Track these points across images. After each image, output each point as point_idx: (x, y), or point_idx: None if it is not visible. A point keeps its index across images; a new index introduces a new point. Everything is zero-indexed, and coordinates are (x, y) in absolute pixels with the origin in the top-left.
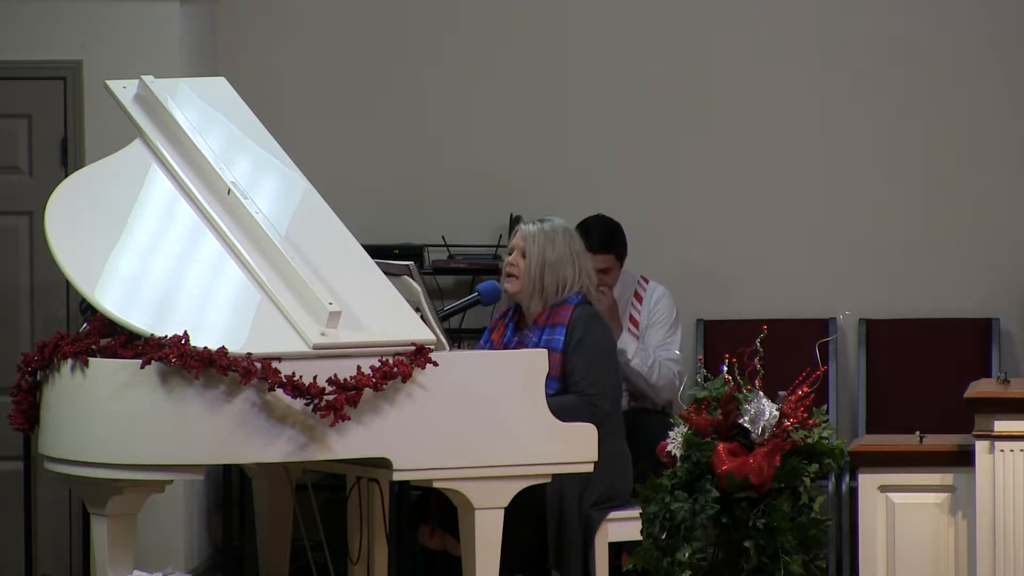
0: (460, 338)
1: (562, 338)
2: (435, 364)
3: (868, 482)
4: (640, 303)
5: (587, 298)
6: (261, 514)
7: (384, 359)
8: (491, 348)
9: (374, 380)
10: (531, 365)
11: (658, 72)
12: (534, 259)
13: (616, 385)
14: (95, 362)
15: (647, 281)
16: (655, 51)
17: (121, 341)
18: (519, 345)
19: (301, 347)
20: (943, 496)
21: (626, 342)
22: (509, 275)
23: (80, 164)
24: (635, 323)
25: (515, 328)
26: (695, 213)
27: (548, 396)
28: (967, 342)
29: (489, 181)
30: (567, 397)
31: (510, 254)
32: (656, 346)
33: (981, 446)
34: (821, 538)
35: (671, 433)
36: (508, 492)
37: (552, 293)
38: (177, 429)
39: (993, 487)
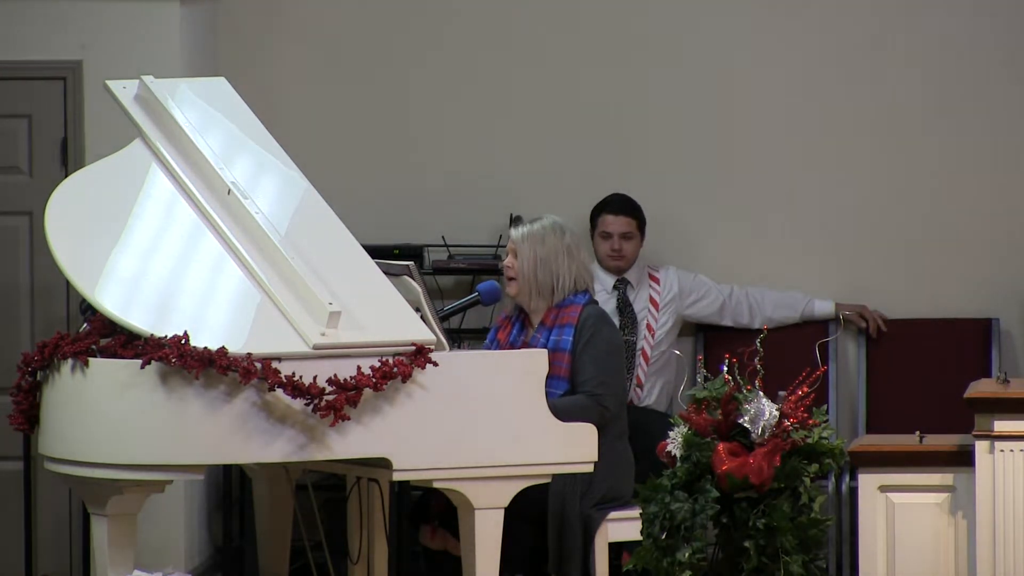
0: (460, 338)
1: (571, 338)
2: (435, 364)
3: (868, 482)
4: (658, 284)
5: (593, 297)
6: (261, 514)
7: (384, 359)
8: (497, 348)
9: (374, 380)
10: (531, 365)
11: (659, 72)
12: (526, 258)
13: (623, 385)
14: (95, 362)
15: (655, 268)
16: (656, 51)
17: (121, 341)
18: (525, 345)
19: (301, 347)
20: (943, 496)
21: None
22: (509, 279)
23: (80, 164)
24: (655, 304)
25: (521, 328)
26: (696, 214)
27: (557, 397)
28: (967, 342)
29: (489, 181)
30: (575, 397)
31: (505, 258)
32: (729, 288)
33: (981, 446)
34: (821, 538)
35: (671, 433)
36: (508, 492)
37: (549, 289)
38: (177, 429)
39: (993, 487)
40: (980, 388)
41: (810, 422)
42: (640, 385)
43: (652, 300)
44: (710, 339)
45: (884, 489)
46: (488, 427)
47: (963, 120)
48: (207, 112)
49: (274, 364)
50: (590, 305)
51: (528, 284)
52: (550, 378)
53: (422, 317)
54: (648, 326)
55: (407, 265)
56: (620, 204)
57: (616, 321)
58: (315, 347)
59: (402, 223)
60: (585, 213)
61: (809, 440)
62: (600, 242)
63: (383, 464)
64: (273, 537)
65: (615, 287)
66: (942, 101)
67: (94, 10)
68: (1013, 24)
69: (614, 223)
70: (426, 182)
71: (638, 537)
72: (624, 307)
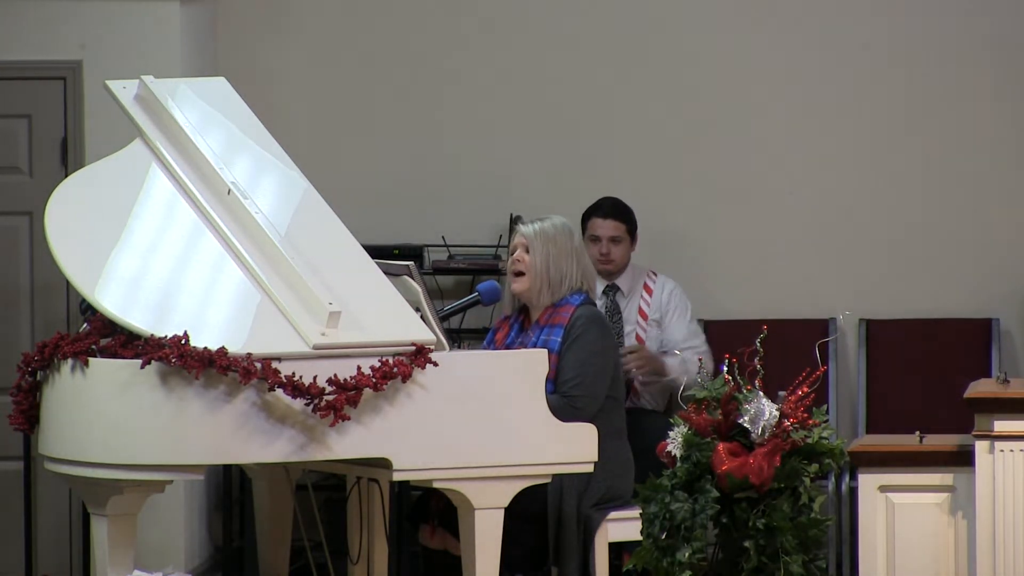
0: (460, 338)
1: (559, 339)
2: (435, 364)
3: (868, 482)
4: (649, 295)
5: (590, 298)
6: (261, 514)
7: (384, 359)
8: (495, 349)
9: (374, 380)
10: (531, 365)
11: (658, 73)
12: (539, 254)
13: (604, 387)
14: (95, 362)
15: (656, 275)
16: (655, 52)
17: (121, 341)
18: (521, 345)
19: (301, 347)
20: (943, 496)
21: (672, 366)
22: (517, 273)
23: (80, 164)
24: (643, 315)
25: (520, 329)
26: (695, 213)
27: None
28: (967, 342)
29: (489, 181)
30: (549, 397)
31: (512, 254)
32: (683, 341)
33: (981, 446)
34: (821, 538)
35: (671, 433)
36: (508, 492)
37: (557, 285)
38: (177, 429)
39: (993, 487)
40: (980, 388)
41: (810, 422)
42: (636, 393)
43: (641, 311)
44: (710, 339)
45: (884, 489)
46: (488, 427)
47: (963, 120)
48: (207, 112)
49: (274, 364)
50: (584, 306)
51: (540, 280)
52: None
53: (422, 317)
54: (638, 337)
55: (407, 265)
56: (610, 208)
57: None
58: (315, 347)
59: (402, 223)
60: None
61: (809, 440)
62: (589, 246)
63: (383, 464)
64: (273, 537)
65: (604, 293)
66: (942, 101)
67: (94, 10)
68: (1010, 22)
69: (603, 227)
70: (426, 182)
71: (638, 537)
72: (612, 314)
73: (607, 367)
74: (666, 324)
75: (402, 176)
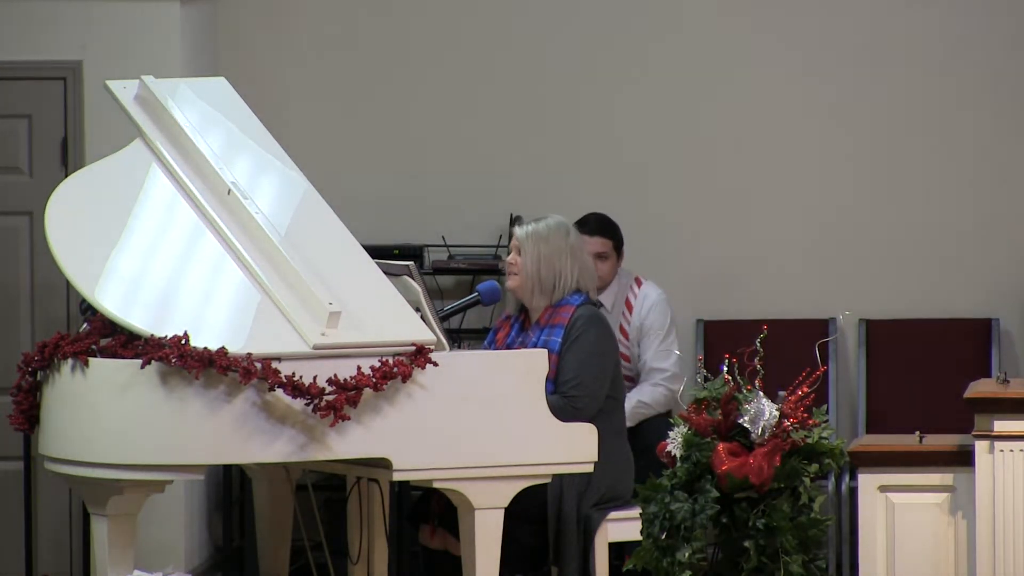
0: (460, 338)
1: (559, 340)
2: (435, 364)
3: (868, 482)
4: (630, 312)
5: (591, 298)
6: (261, 514)
7: (384, 359)
8: (495, 349)
9: (374, 380)
10: (531, 365)
11: (657, 72)
12: (529, 254)
13: (604, 388)
14: (95, 362)
15: (639, 285)
16: (654, 52)
17: (121, 341)
18: (522, 345)
19: (301, 347)
20: (943, 496)
21: None
22: (510, 273)
23: (80, 164)
24: (624, 334)
25: (520, 328)
26: (695, 213)
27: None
28: (967, 342)
29: (489, 181)
30: (550, 397)
31: (509, 255)
32: (651, 362)
33: (981, 446)
34: (821, 538)
35: (671, 433)
36: (508, 492)
37: (551, 287)
38: (177, 429)
39: (993, 487)
40: (980, 388)
41: (810, 422)
42: None
43: (623, 330)
44: (710, 339)
45: (884, 489)
46: (488, 427)
47: (964, 119)
48: (207, 112)
49: (274, 364)
50: (584, 306)
51: (531, 281)
52: None
53: (422, 317)
54: (623, 355)
55: (407, 265)
56: (596, 224)
57: None
58: (315, 347)
59: (402, 223)
60: (586, 212)
61: (809, 440)
62: None
63: (383, 464)
64: (273, 537)
65: None
66: (942, 101)
67: (94, 10)
68: (1012, 22)
69: (589, 243)
70: (426, 182)
71: (638, 537)
72: None
73: (607, 367)
74: (641, 343)
75: (402, 176)
